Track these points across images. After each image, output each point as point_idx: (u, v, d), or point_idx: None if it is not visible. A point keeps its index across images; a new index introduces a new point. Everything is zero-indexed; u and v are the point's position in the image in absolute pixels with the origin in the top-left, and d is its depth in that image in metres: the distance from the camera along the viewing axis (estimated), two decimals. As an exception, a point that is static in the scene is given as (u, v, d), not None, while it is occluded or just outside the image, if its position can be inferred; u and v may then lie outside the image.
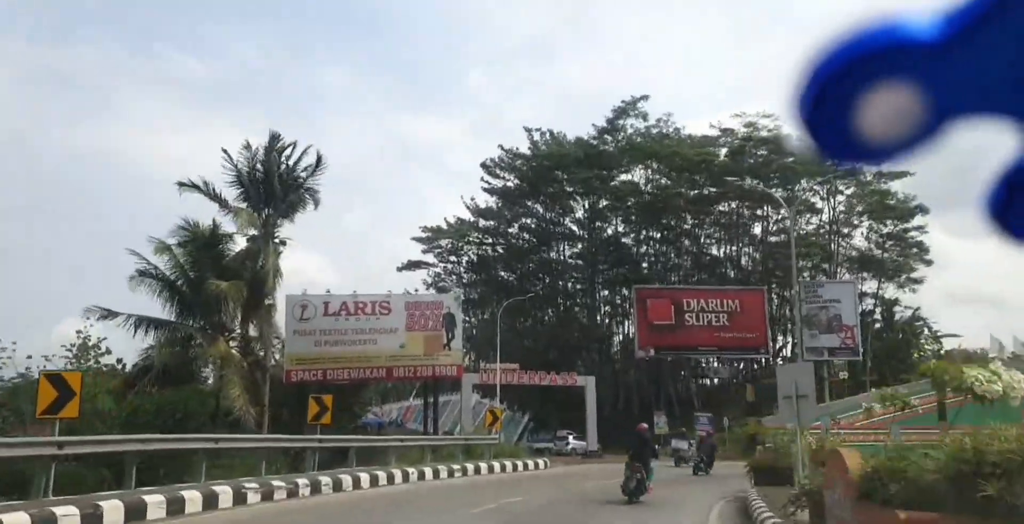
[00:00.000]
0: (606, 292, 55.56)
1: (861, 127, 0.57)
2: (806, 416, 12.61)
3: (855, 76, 0.56)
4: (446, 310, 37.19)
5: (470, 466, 22.59)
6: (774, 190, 53.13)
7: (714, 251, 55.92)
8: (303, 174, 31.68)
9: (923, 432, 18.43)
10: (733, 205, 53.41)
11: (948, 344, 52.70)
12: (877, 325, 53.09)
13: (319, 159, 31.32)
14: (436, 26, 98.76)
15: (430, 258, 58.64)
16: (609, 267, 52.48)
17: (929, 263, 50.07)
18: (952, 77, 0.55)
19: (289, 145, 31.45)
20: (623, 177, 52.68)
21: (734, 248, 54.25)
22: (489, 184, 57.04)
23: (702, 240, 54.39)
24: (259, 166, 31.30)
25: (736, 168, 52.08)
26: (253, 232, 30.73)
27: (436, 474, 21.20)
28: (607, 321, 54.97)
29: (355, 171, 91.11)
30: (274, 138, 31.67)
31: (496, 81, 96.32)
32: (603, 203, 54.42)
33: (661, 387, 49.21)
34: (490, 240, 58.23)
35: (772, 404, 49.24)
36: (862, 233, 53.02)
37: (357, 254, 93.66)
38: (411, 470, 20.21)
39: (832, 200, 52.97)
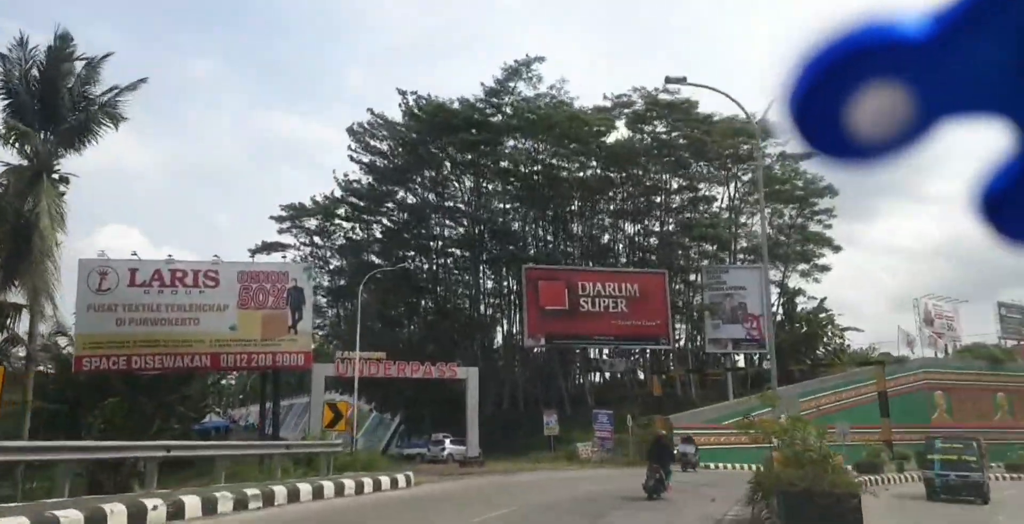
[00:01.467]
0: (492, 279, 49.33)
1: (851, 125, 0.57)
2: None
3: (845, 75, 0.56)
4: (292, 284, 29.73)
5: (279, 489, 13.90)
6: (670, 176, 48.72)
7: (606, 239, 50.59)
8: (104, 94, 23.67)
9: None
10: (630, 190, 48.38)
11: (854, 339, 49.93)
12: (778, 317, 49.54)
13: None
14: (313, 22, 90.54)
15: (292, 241, 50.65)
16: (495, 248, 46.25)
17: (837, 249, 47.06)
18: (941, 76, 0.56)
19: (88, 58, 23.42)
20: (511, 147, 46.54)
21: (633, 230, 49.37)
22: (358, 154, 49.60)
23: (596, 221, 49.12)
24: (36, 73, 23.06)
25: (631, 149, 47.12)
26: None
27: (210, 506, 12.08)
28: (492, 310, 48.71)
29: (222, 169, 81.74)
30: (64, 39, 23.46)
31: (376, 80, 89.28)
32: (489, 179, 48.19)
33: (552, 382, 43.41)
34: (363, 217, 50.64)
35: (681, 398, 44.84)
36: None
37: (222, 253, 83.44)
38: (155, 503, 11.02)
39: (734, 185, 49.04)
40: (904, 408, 43.30)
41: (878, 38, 0.55)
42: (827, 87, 0.56)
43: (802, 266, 49.07)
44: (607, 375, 47.45)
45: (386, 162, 49.98)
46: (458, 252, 49.31)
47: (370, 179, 50.09)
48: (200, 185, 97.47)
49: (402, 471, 18.18)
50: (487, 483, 21.21)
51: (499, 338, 48.87)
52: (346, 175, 49.55)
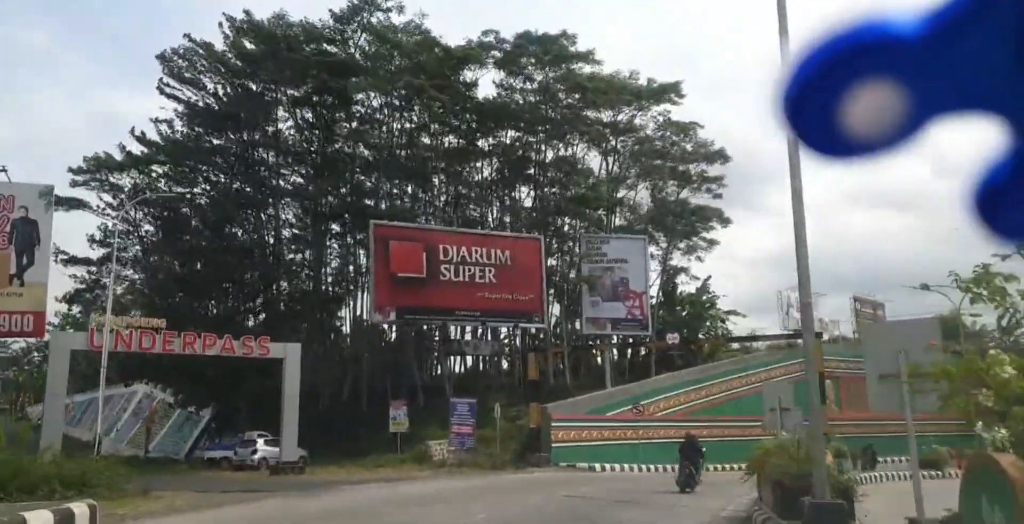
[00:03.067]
0: (338, 244, 40.92)
1: (845, 124, 0.57)
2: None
3: (839, 73, 0.56)
4: (20, 214, 20.44)
5: None
6: (545, 147, 42.26)
7: (473, 214, 43.32)
8: None
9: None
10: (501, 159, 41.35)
11: (737, 325, 45.59)
12: (656, 298, 44.33)
13: None
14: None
15: (96, 201, 39.60)
16: (339, 204, 37.87)
17: (726, 222, 42.33)
18: (935, 74, 0.56)
19: None
20: (362, 86, 38.27)
21: (505, 193, 42.42)
22: (172, 89, 39.61)
23: (463, 179, 41.79)
24: None
25: (503, 109, 40.22)
26: None
27: None
28: (337, 283, 40.32)
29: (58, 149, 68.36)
30: None
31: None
32: (336, 130, 39.82)
33: (405, 368, 35.75)
34: (181, 168, 40.50)
35: (554, 386, 38.42)
36: (647, 188, 44.01)
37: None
38: None
39: (612, 158, 43.14)
40: (798, 397, 39.15)
41: (872, 36, 0.55)
42: (821, 85, 0.56)
43: (684, 243, 44.16)
44: (470, 360, 40.35)
45: (210, 102, 40.38)
46: (293, 199, 40.44)
47: (191, 124, 40.29)
48: None
49: (84, 499, 9.95)
50: (244, 516, 13.21)
51: (344, 312, 40.56)
52: (170, 122, 39.50)
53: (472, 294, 33.76)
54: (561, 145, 41.21)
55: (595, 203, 39.39)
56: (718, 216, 41.84)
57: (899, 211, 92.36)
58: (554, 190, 40.66)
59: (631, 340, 43.52)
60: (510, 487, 18.04)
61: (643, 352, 42.56)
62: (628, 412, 29.73)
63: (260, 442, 28.36)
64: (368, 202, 37.53)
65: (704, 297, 43.52)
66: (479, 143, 41.40)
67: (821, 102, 0.57)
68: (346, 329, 41.49)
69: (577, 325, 39.76)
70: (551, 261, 39.76)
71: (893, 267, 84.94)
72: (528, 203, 41.87)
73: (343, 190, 39.08)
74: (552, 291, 39.80)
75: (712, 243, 42.64)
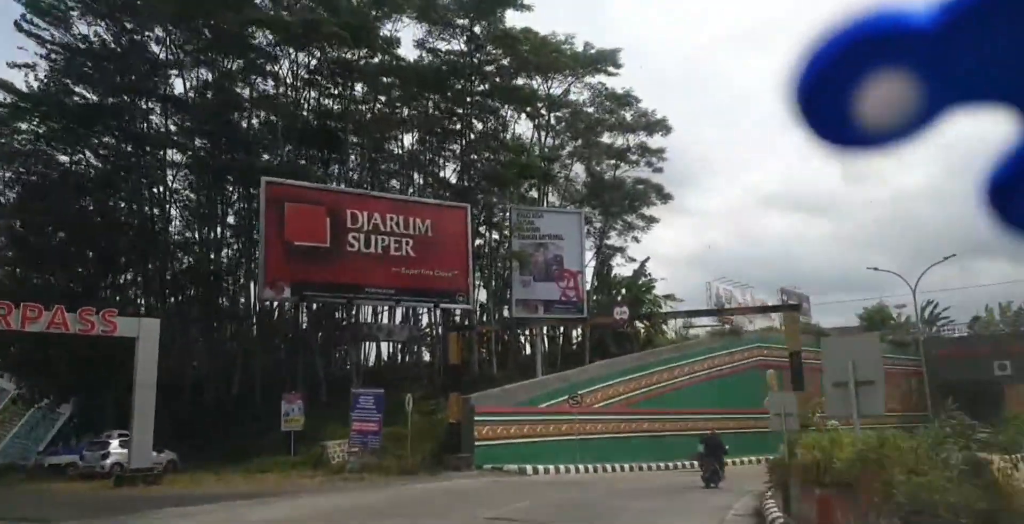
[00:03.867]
0: (222, 206, 35.33)
1: (858, 113, 0.57)
2: (870, 408, 8.29)
3: (852, 63, 0.56)
4: None
5: None
6: (475, 113, 37.68)
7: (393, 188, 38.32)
8: None
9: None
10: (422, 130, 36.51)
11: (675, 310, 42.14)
12: (590, 282, 40.53)
13: None
14: None
15: None
16: (229, 162, 32.26)
17: (666, 198, 38.69)
18: (948, 65, 0.56)
19: None
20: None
21: (427, 165, 37.65)
22: (37, 28, 33.12)
23: (382, 150, 36.83)
24: None
25: (425, 73, 35.47)
26: None
27: None
28: (226, 255, 34.78)
29: None
30: None
31: None
32: (233, 77, 34.28)
33: (306, 356, 30.69)
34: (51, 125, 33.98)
35: (479, 375, 33.68)
36: (583, 163, 40.01)
37: None
38: None
39: (546, 133, 38.86)
40: (737, 389, 35.99)
41: (886, 27, 0.55)
42: (835, 75, 0.56)
43: (621, 222, 40.41)
44: (386, 349, 35.55)
45: (82, 46, 34.03)
46: (185, 182, 34.81)
47: (60, 72, 33.85)
48: None
49: None
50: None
51: (233, 288, 35.00)
52: (19, 66, 32.87)
53: (386, 269, 28.99)
54: (492, 118, 36.77)
55: (528, 170, 35.14)
56: (658, 191, 38.24)
57: (811, 215, 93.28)
58: (485, 155, 36.18)
59: (562, 329, 39.54)
60: (411, 504, 13.57)
61: (577, 338, 38.67)
62: (564, 403, 25.65)
63: (114, 444, 22.96)
64: (265, 158, 32.12)
65: (641, 280, 39.97)
66: (401, 111, 36.70)
67: (834, 92, 0.56)
68: (245, 311, 35.97)
69: (506, 309, 35.49)
70: (478, 241, 35.37)
71: (808, 267, 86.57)
72: (454, 178, 37.29)
73: (239, 155, 33.49)
74: (479, 270, 35.38)
75: (651, 220, 39.08)
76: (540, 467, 22.80)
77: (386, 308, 33.60)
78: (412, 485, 17.47)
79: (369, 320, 33.92)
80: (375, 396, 22.34)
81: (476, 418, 22.42)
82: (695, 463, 19.69)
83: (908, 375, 45.94)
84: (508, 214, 35.03)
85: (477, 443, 22.30)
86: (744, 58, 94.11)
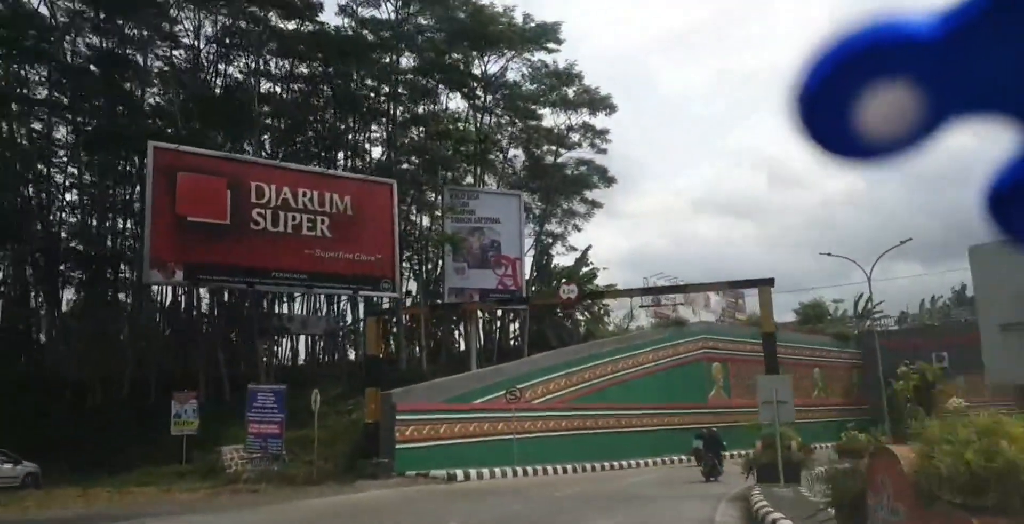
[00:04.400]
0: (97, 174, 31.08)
1: (860, 124, 0.57)
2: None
3: (854, 74, 0.56)
4: None
5: None
6: (408, 95, 34.40)
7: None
8: None
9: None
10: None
11: (619, 301, 39.74)
12: (529, 273, 37.86)
13: None
14: None
15: None
16: (112, 126, 28.03)
17: (610, 181, 36.21)
18: (951, 75, 0.56)
19: None
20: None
21: (351, 144, 34.10)
22: None
23: (301, 128, 33.17)
24: None
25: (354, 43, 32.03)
26: None
27: None
28: (117, 233, 30.54)
29: None
30: None
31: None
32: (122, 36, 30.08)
33: (207, 349, 26.92)
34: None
35: (406, 372, 30.02)
36: (521, 145, 37.17)
37: None
38: None
39: (484, 116, 35.73)
40: (682, 383, 33.86)
41: (888, 36, 0.55)
42: (836, 85, 0.56)
43: (561, 209, 37.79)
44: (305, 344, 31.91)
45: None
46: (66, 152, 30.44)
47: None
48: None
49: None
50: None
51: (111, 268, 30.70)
52: None
53: (298, 250, 25.54)
54: (424, 99, 33.46)
55: (462, 143, 32.09)
56: (601, 174, 35.72)
57: (738, 218, 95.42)
58: (419, 129, 32.93)
59: (499, 324, 36.69)
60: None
61: (515, 332, 35.89)
62: (501, 399, 22.75)
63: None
64: (158, 123, 28.15)
65: (583, 270, 37.41)
66: (322, 88, 33.18)
67: (836, 103, 0.56)
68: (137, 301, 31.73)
69: (439, 300, 32.32)
70: (408, 226, 32.13)
71: (736, 268, 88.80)
72: (381, 154, 33.90)
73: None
74: (409, 257, 32.19)
75: (594, 205, 36.51)
76: (473, 472, 19.79)
77: (310, 298, 30.12)
78: (314, 498, 14.25)
79: (290, 311, 30.32)
80: (275, 393, 18.92)
81: (398, 417, 19.23)
82: (647, 462, 19.01)
83: (850, 368, 44.81)
84: (441, 195, 31.95)
85: (399, 446, 19.11)
86: (675, 63, 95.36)
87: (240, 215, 24.59)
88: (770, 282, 17.46)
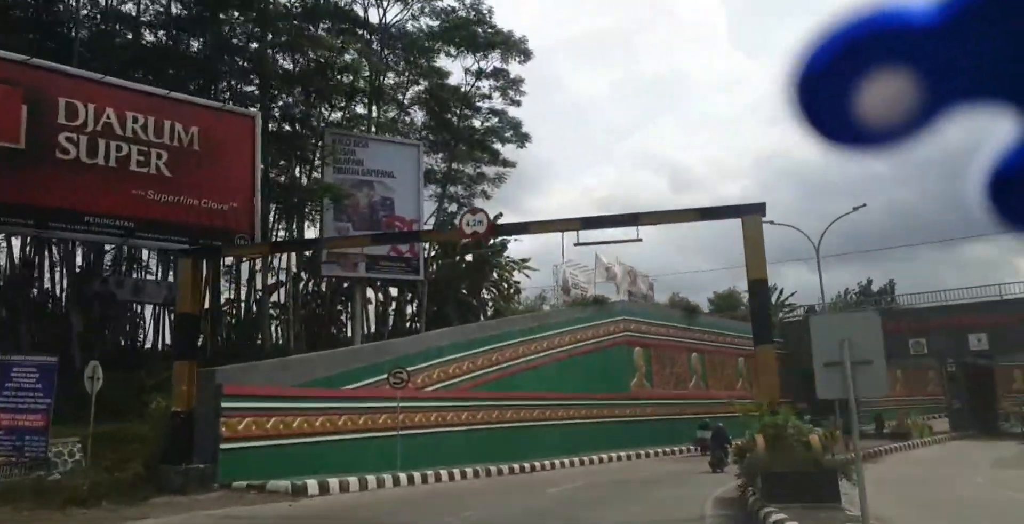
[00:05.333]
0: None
1: (858, 111, 0.57)
2: (871, 389, 7.94)
3: (852, 61, 0.56)
4: None
5: None
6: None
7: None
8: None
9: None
10: None
11: (531, 279, 35.21)
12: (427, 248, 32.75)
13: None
14: None
15: None
16: None
17: (523, 139, 31.32)
18: (949, 63, 0.56)
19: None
20: None
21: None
22: None
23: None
24: None
25: None
26: None
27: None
28: None
29: None
30: None
31: None
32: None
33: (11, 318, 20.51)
34: None
35: (271, 349, 22.90)
36: (423, 94, 31.80)
37: None
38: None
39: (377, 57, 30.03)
40: (602, 370, 29.62)
41: (886, 24, 0.54)
42: (835, 73, 0.56)
43: (467, 173, 32.82)
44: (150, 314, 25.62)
45: None
46: None
47: None
48: None
49: None
50: None
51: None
52: None
53: (122, 190, 19.53)
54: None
55: (349, 72, 26.48)
56: (515, 128, 30.84)
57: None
58: (296, 59, 27.06)
59: (394, 305, 31.45)
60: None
61: (413, 312, 30.71)
62: (383, 384, 17.63)
63: None
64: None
65: (491, 240, 32.54)
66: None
67: (834, 90, 0.56)
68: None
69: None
70: (274, 172, 26.33)
71: (639, 269, 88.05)
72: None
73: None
74: (276, 213, 26.51)
75: (506, 165, 31.59)
76: (334, 481, 14.48)
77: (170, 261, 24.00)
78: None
79: (140, 276, 24.02)
80: (40, 368, 13.08)
81: (225, 404, 13.64)
82: (564, 462, 15.27)
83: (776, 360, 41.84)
84: (320, 138, 26.33)
85: (224, 445, 13.53)
86: (583, 66, 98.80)
87: (41, 139, 18.43)
88: (759, 208, 12.92)
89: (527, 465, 21.74)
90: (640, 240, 13.76)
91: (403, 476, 16.27)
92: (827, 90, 0.55)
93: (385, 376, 17.61)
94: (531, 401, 25.24)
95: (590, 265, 33.23)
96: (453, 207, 33.43)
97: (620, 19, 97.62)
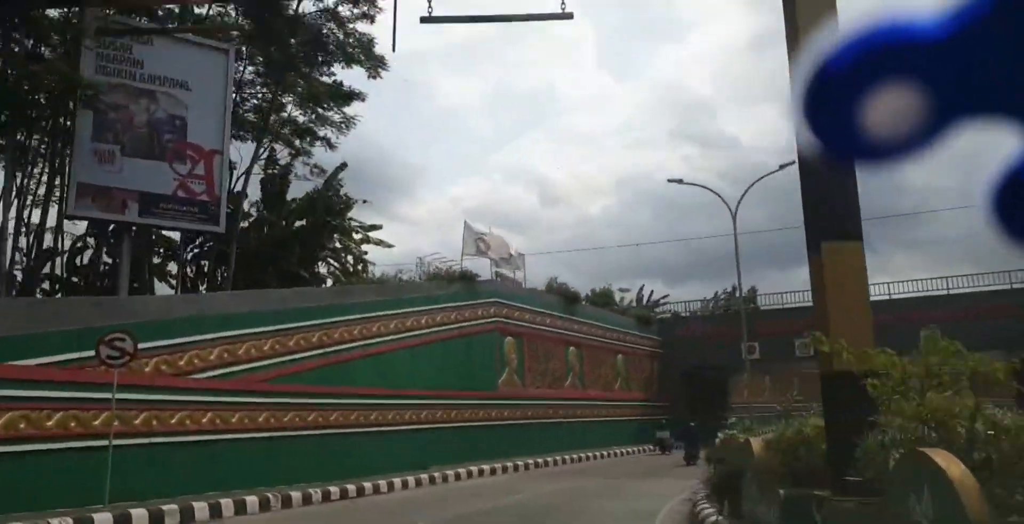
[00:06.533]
0: None
1: (866, 126, 0.57)
2: None
3: (860, 75, 0.56)
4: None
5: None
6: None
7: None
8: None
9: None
10: None
11: (378, 260, 28.15)
12: (249, 194, 25.41)
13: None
14: None
15: None
16: None
17: (378, 65, 24.40)
18: (958, 76, 0.56)
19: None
20: None
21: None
22: None
23: None
24: None
25: None
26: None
27: None
28: None
29: None
30: None
31: None
32: None
33: None
34: None
35: None
36: None
37: None
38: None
39: None
40: (466, 362, 23.45)
41: (894, 37, 0.54)
42: (842, 87, 0.55)
43: (307, 113, 25.62)
44: None
45: None
46: None
47: None
48: None
49: None
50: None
51: None
52: None
53: None
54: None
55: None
56: (366, 49, 23.84)
57: (511, 231, 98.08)
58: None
59: (194, 269, 23.77)
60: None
61: (223, 273, 23.04)
62: (90, 365, 10.41)
63: None
64: None
65: (332, 194, 25.40)
66: None
67: (842, 104, 0.56)
68: None
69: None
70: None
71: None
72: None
73: None
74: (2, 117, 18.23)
75: (353, 97, 24.44)
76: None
77: None
78: None
79: None
80: None
81: None
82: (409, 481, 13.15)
83: (652, 357, 37.16)
84: (79, 17, 18.35)
85: None
86: (455, 74, 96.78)
87: None
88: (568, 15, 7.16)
89: (355, 486, 15.10)
90: (571, 16, 7.76)
91: (109, 516, 9.15)
92: (833, 104, 0.55)
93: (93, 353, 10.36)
94: (369, 399, 18.60)
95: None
96: (284, 154, 26.14)
97: (494, 29, 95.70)
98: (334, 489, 14.58)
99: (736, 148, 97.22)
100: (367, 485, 15.68)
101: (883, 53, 0.54)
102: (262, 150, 25.50)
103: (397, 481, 16.92)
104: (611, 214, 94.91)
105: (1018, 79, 0.54)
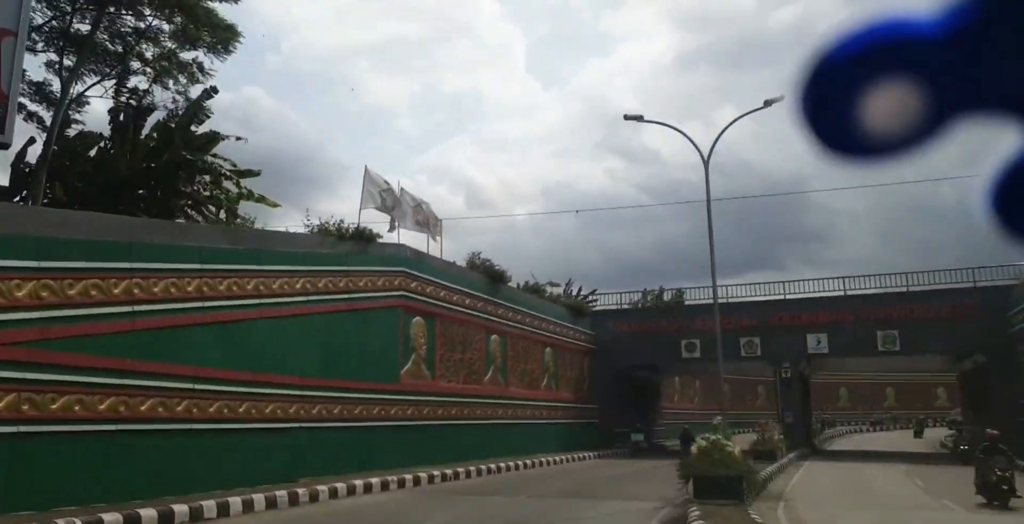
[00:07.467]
0: None
1: (865, 123, 0.58)
2: None
3: (859, 72, 0.56)
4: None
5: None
6: None
7: None
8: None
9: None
10: None
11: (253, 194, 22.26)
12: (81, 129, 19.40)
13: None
14: None
15: None
16: None
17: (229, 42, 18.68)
18: (956, 73, 0.56)
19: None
20: None
21: None
22: None
23: None
24: None
25: None
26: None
27: None
28: None
29: None
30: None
31: None
32: None
33: None
34: None
35: None
36: None
37: None
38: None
39: None
40: (361, 344, 18.08)
41: (893, 35, 0.55)
42: (841, 84, 0.56)
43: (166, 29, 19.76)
44: None
45: None
46: None
47: None
48: None
49: None
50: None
51: None
52: None
53: None
54: None
55: None
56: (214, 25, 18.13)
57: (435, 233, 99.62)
58: None
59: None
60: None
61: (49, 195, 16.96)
62: None
63: None
64: None
65: (195, 127, 19.63)
66: None
67: (841, 102, 0.56)
68: None
69: None
70: None
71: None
72: None
73: None
74: None
75: (202, 23, 18.46)
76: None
77: None
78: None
79: None
80: None
81: None
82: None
83: (583, 353, 32.47)
84: None
85: None
86: (382, 73, 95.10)
87: None
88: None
89: (158, 510, 9.69)
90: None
91: None
92: (832, 101, 0.55)
93: None
94: (210, 384, 13.18)
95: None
96: (106, 87, 20.27)
97: (423, 28, 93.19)
98: (112, 517, 9.12)
99: (657, 162, 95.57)
100: (179, 509, 10.24)
101: (882, 51, 0.53)
102: (109, 70, 19.66)
103: (236, 501, 11.53)
104: (536, 222, 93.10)
105: (1015, 76, 0.54)
